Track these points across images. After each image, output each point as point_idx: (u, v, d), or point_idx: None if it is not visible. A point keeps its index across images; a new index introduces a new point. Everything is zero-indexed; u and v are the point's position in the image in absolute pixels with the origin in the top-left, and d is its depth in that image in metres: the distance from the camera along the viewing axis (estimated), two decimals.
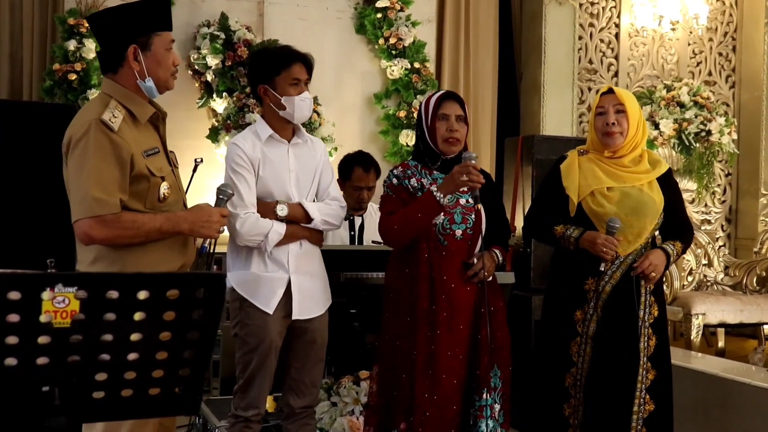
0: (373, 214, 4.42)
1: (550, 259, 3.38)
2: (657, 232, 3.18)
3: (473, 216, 2.96)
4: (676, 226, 3.20)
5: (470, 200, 2.98)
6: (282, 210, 2.94)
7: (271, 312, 2.94)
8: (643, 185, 3.12)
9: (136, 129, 2.45)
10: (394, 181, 3.02)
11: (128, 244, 2.37)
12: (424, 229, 2.92)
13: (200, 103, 5.65)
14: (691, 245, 6.22)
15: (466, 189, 2.94)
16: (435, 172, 3.03)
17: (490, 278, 3.00)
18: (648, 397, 3.08)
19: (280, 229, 2.93)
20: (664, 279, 3.29)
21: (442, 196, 2.89)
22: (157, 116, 2.54)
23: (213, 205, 2.60)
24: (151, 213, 2.42)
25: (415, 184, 3.00)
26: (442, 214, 2.93)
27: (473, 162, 2.84)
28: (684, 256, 6.16)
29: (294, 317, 2.97)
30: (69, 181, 2.38)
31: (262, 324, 2.94)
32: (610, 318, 3.07)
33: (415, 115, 5.90)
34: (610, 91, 3.15)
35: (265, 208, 2.94)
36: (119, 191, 2.35)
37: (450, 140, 2.98)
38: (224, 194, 2.64)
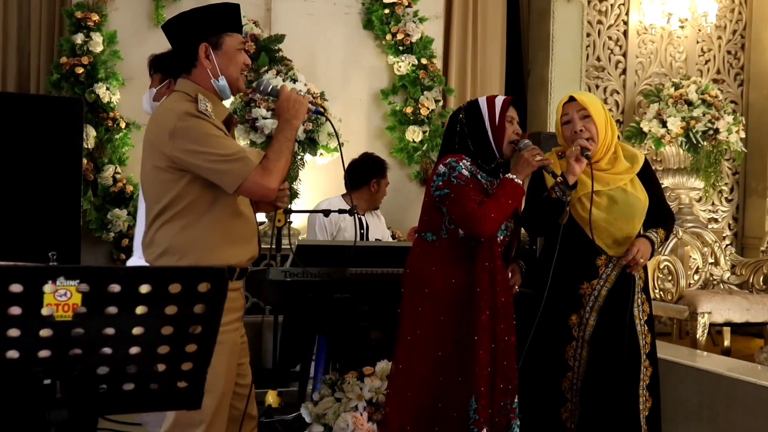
0: (379, 215, 4.66)
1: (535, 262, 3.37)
2: None
3: (511, 221, 2.98)
4: (658, 216, 3.18)
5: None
6: None
7: None
8: (626, 185, 3.09)
9: None
10: (465, 172, 2.89)
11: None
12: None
13: None
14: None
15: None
16: (481, 173, 2.96)
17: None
18: (648, 393, 3.08)
19: None
20: (649, 276, 3.27)
21: (521, 182, 2.90)
22: (230, 118, 2.58)
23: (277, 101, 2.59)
24: (274, 140, 2.48)
25: (479, 179, 2.93)
26: None
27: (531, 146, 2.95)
28: (692, 256, 6.18)
29: None
30: (198, 165, 2.36)
31: None
32: (606, 320, 3.06)
33: (422, 111, 5.91)
34: (572, 98, 3.12)
35: None
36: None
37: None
38: (266, 85, 2.65)
